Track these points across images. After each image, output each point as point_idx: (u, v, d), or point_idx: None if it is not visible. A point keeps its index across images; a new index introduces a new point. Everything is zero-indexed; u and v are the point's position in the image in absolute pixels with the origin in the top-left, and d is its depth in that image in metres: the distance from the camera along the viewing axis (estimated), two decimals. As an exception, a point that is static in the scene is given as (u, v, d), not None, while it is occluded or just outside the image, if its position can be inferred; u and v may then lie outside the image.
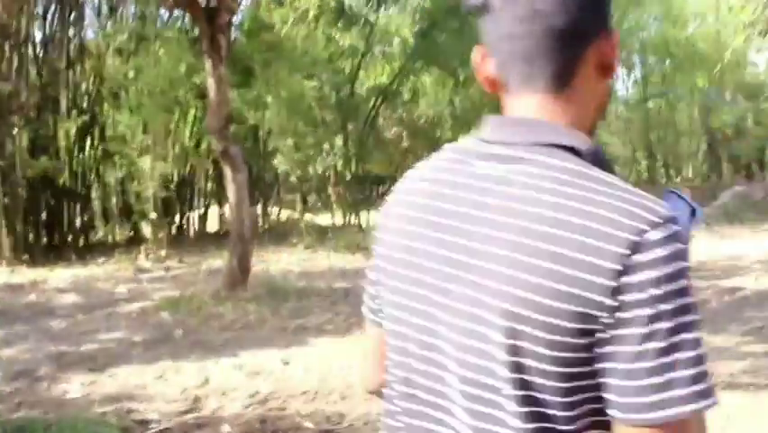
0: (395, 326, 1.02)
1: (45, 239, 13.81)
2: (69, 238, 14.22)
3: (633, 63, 28.37)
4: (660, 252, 0.82)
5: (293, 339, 6.71)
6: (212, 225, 20.06)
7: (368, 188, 34.64)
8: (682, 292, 0.82)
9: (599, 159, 0.92)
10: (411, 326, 0.98)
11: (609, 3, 0.99)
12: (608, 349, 0.83)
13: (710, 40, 27.07)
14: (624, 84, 29.88)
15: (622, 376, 0.82)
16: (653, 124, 28.78)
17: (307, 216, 20.93)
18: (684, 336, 0.82)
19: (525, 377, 0.86)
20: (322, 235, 14.59)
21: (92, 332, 7.18)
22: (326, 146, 15.76)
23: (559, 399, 0.86)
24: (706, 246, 11.80)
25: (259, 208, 18.81)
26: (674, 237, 0.83)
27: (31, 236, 13.14)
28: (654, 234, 0.83)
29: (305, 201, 20.41)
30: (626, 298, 0.82)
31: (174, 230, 17.57)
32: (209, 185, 19.55)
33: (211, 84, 8.32)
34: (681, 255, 0.84)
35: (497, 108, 1.05)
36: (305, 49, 11.38)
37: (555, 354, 0.84)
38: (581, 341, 0.84)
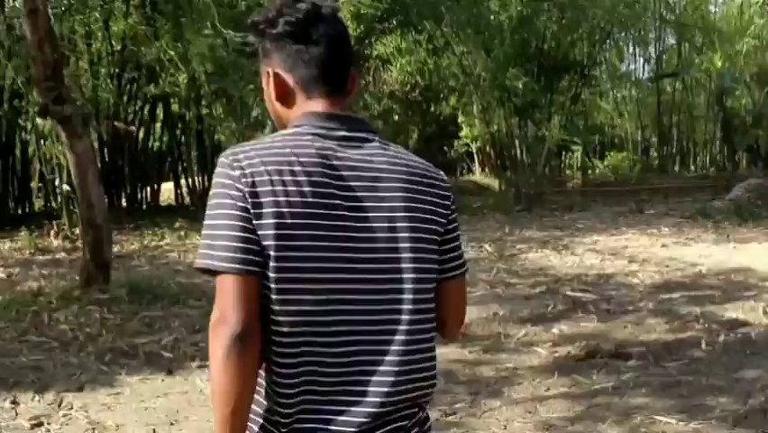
0: (320, 264, 1.36)
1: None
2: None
3: (648, 41, 26.03)
4: (450, 191, 1.58)
5: (98, 376, 4.75)
6: (167, 199, 18.20)
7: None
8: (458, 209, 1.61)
9: None
10: (354, 260, 1.40)
11: None
12: (448, 237, 1.55)
13: (731, 19, 24.76)
14: (635, 64, 27.64)
15: (453, 250, 1.56)
16: (667, 108, 26.43)
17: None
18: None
19: (430, 265, 1.52)
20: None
21: None
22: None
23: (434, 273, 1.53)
24: (710, 251, 9.65)
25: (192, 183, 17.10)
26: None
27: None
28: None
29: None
30: (452, 216, 1.56)
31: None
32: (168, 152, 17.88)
33: (24, 18, 6.31)
34: None
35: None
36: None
37: (436, 247, 1.52)
38: (441, 242, 1.53)
